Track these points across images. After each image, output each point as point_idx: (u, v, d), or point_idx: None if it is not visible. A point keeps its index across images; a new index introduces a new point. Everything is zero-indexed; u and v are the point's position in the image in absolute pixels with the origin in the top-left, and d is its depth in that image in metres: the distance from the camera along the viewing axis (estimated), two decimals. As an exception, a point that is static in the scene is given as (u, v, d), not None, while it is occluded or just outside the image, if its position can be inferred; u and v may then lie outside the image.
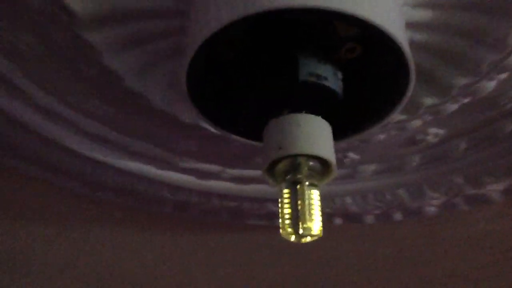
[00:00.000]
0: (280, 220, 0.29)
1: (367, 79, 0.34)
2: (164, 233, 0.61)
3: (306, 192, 0.29)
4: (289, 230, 0.28)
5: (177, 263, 0.66)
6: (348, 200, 0.54)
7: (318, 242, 0.61)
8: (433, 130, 0.46)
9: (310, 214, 0.29)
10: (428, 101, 0.40)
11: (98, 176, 0.52)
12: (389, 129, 0.44)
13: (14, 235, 0.62)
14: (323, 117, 0.31)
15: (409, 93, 0.32)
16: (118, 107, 0.41)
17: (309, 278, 0.69)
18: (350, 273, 0.67)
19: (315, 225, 0.28)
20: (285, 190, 0.30)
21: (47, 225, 0.62)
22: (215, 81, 0.33)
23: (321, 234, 0.29)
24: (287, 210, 0.29)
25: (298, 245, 0.62)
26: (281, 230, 0.29)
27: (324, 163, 0.30)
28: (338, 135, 0.34)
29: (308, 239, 0.29)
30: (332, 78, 0.31)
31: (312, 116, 0.30)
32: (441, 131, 0.46)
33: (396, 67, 0.31)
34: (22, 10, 0.33)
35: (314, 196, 0.29)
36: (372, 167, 0.51)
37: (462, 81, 0.38)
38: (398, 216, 0.57)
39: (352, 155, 0.49)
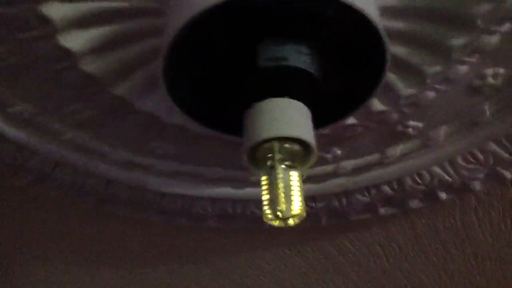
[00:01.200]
0: (262, 207, 0.29)
1: (344, 63, 0.34)
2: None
3: (280, 174, 0.29)
4: (269, 216, 0.28)
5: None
6: (437, 170, 0.49)
7: (438, 221, 0.56)
8: (489, 72, 0.40)
9: (288, 196, 0.28)
10: (454, 42, 0.36)
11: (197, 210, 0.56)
12: (430, 85, 0.40)
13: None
14: (302, 100, 0.31)
15: (384, 77, 0.33)
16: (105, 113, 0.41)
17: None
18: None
19: (294, 205, 0.28)
20: (263, 177, 0.30)
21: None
22: (192, 76, 0.34)
23: (304, 214, 0.28)
24: (265, 196, 0.29)
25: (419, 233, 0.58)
26: (263, 217, 0.29)
27: (302, 144, 0.29)
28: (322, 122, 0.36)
29: (291, 221, 0.28)
30: (293, 57, 0.31)
31: (279, 99, 0.30)
32: (500, 70, 0.40)
33: (372, 49, 0.31)
34: None
35: (293, 178, 0.29)
36: (442, 130, 0.46)
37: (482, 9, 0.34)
38: (508, 174, 0.50)
39: (412, 123, 0.45)
